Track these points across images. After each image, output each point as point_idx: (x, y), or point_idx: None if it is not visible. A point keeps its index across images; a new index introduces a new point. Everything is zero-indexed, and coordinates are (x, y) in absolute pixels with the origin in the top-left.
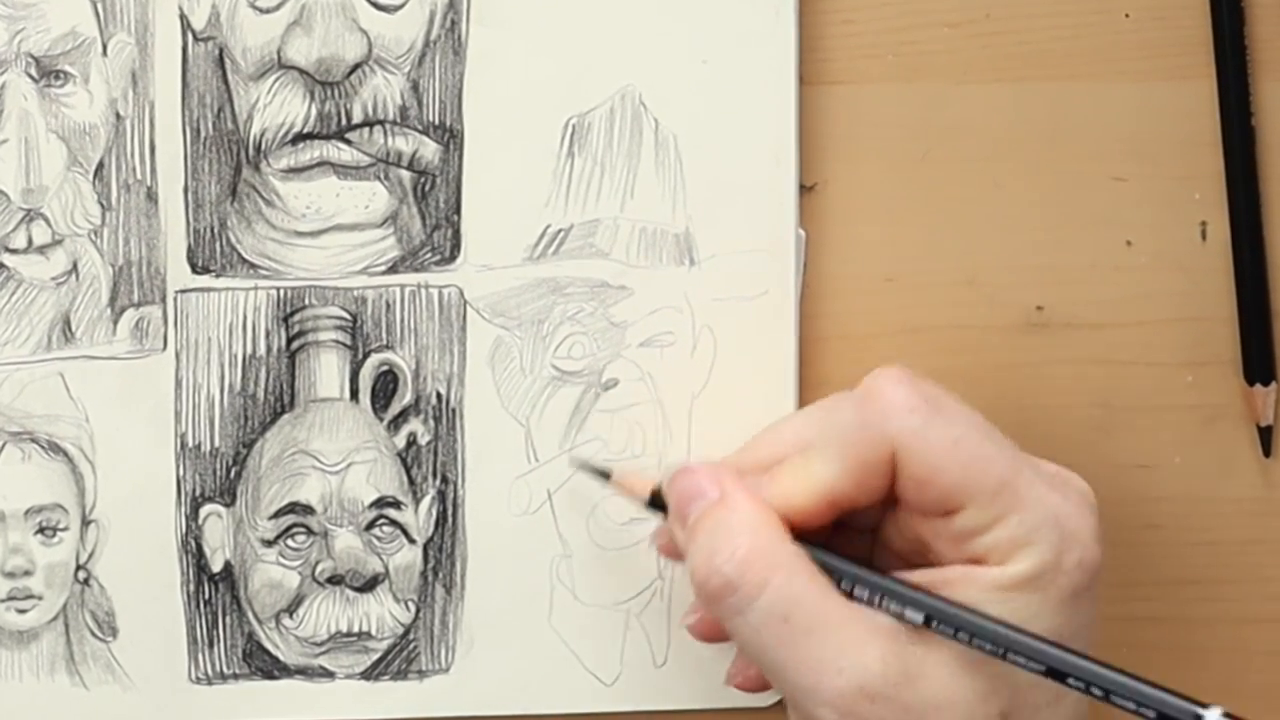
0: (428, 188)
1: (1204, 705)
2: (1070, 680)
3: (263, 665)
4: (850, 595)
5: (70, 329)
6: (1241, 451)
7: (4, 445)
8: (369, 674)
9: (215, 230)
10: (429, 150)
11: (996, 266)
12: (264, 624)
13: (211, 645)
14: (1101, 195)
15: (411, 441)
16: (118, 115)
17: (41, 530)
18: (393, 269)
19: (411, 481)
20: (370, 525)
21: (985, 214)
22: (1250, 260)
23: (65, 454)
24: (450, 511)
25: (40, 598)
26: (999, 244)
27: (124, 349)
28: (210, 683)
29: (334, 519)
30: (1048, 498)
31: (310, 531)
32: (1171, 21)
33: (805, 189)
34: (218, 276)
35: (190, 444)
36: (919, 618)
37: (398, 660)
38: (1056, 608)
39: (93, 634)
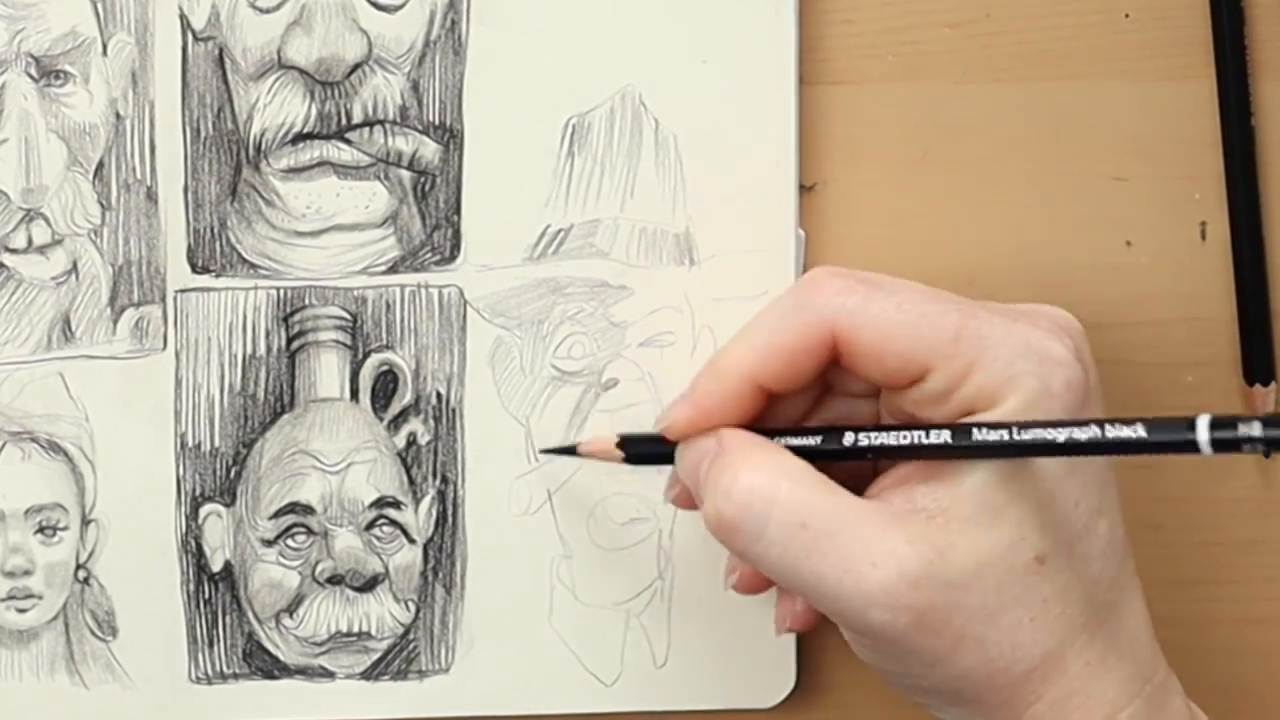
0: (428, 188)
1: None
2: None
3: (263, 665)
4: (870, 460)
5: (70, 329)
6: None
7: (4, 445)
8: (369, 674)
9: (215, 230)
10: (429, 150)
11: (996, 266)
12: (264, 624)
13: (211, 645)
14: (1101, 195)
15: (411, 441)
16: (118, 115)
17: (41, 530)
18: (393, 269)
19: (411, 481)
20: (370, 525)
21: (985, 214)
22: (1250, 260)
23: (65, 454)
24: (450, 511)
25: (40, 597)
26: (999, 244)
27: (124, 349)
28: (210, 683)
29: (334, 519)
30: (1014, 329)
31: (310, 531)
32: (1171, 21)
33: (805, 189)
34: (218, 276)
35: (190, 444)
36: (945, 435)
37: (398, 660)
38: None
39: (93, 634)
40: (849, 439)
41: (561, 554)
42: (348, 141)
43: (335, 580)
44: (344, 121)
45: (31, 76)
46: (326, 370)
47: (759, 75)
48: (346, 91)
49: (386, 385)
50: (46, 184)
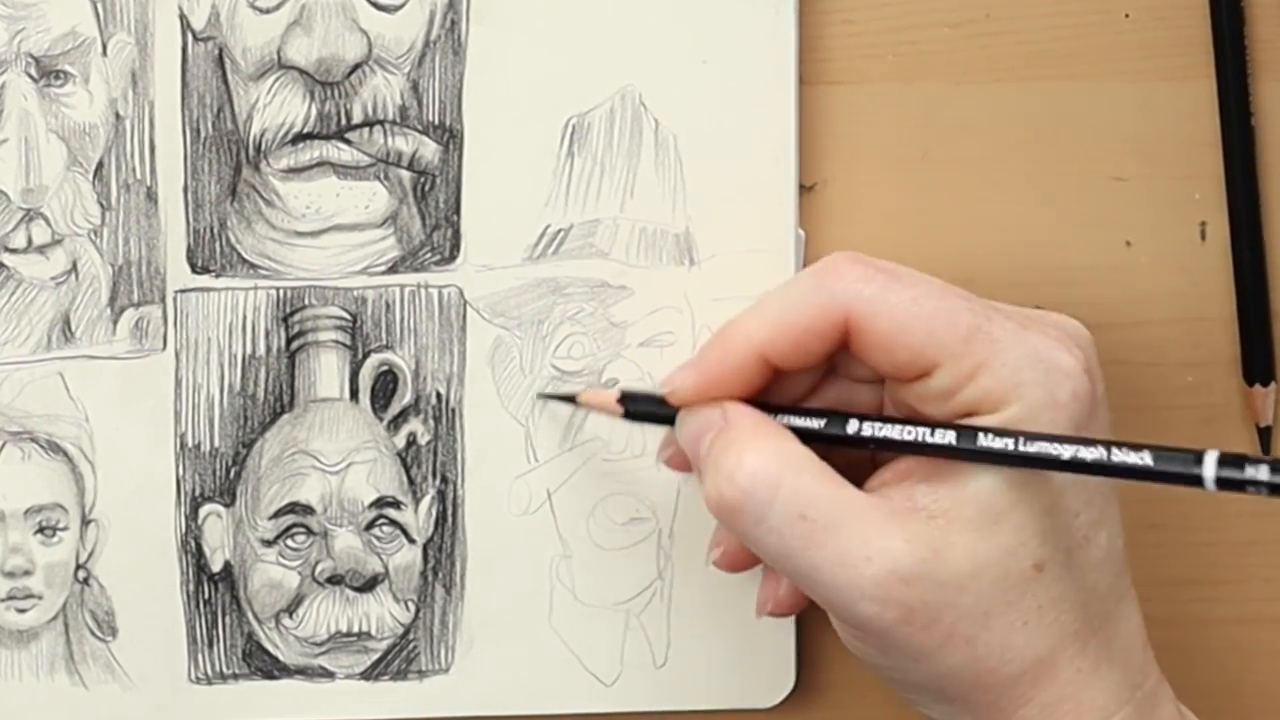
0: (428, 188)
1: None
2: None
3: (262, 665)
4: (870, 451)
5: (70, 329)
6: (1241, 451)
7: (4, 445)
8: (369, 674)
9: (215, 230)
10: (429, 150)
11: (996, 266)
12: (264, 624)
13: (211, 645)
14: (1101, 195)
15: (411, 441)
16: (118, 115)
17: (41, 530)
18: (393, 269)
19: (411, 481)
20: (370, 525)
21: (985, 214)
22: (1250, 260)
23: (65, 454)
24: (450, 511)
25: (40, 597)
26: (999, 244)
27: (124, 349)
28: (210, 683)
29: (334, 519)
30: (1024, 336)
31: (310, 531)
32: (1171, 21)
33: (805, 189)
34: (217, 276)
35: (190, 444)
36: (950, 436)
37: (397, 660)
38: None
39: (92, 634)
40: (853, 427)
41: (561, 554)
42: (348, 141)
43: (335, 580)
44: (344, 121)
45: (31, 76)
46: (326, 370)
47: (759, 75)
48: (346, 91)
49: (386, 385)
50: (46, 184)
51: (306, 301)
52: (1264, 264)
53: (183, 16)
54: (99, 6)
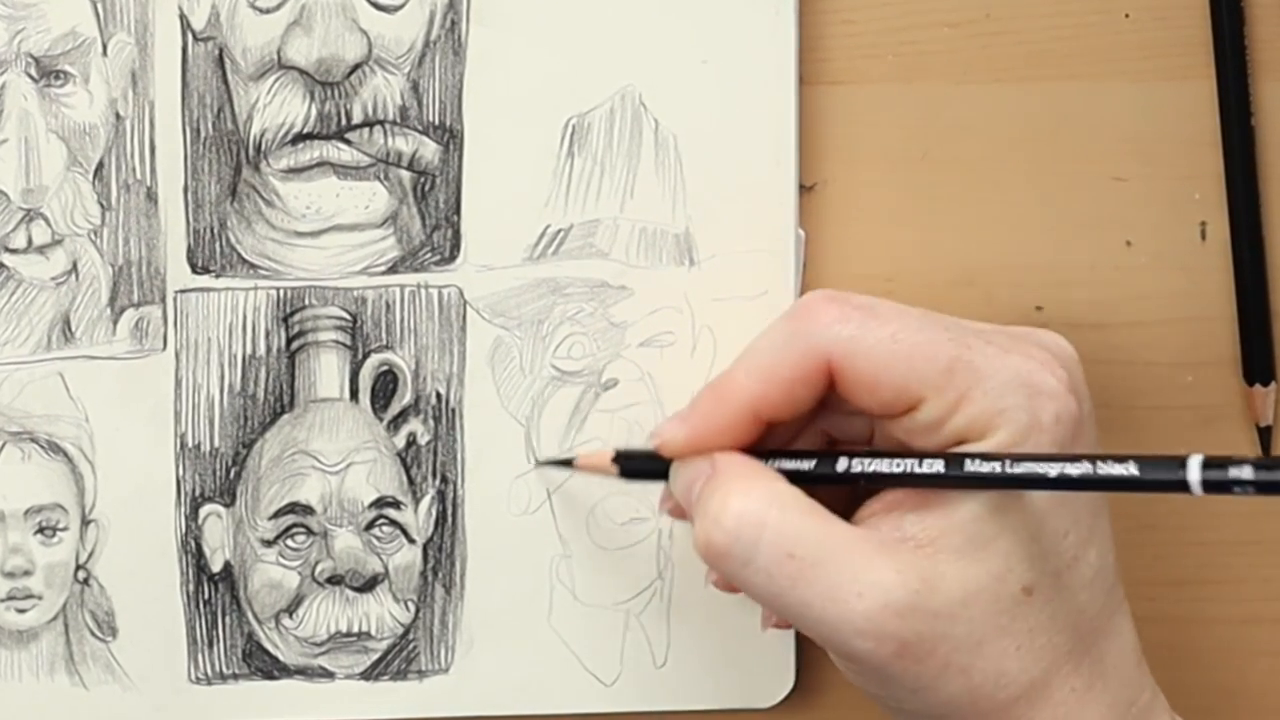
0: (428, 188)
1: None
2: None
3: (262, 665)
4: (860, 486)
5: (70, 329)
6: (1241, 452)
7: (4, 445)
8: (369, 674)
9: (215, 230)
10: (429, 150)
11: (996, 266)
12: (264, 624)
13: (211, 645)
14: (1101, 195)
15: (411, 441)
16: (118, 115)
17: (41, 530)
18: (393, 269)
19: (411, 481)
20: (370, 525)
21: (985, 214)
22: (1250, 260)
23: (65, 454)
24: (450, 511)
25: (40, 598)
26: (999, 244)
27: (124, 349)
28: (210, 683)
29: (334, 519)
30: (1007, 361)
31: (310, 531)
32: (1171, 21)
33: (805, 189)
34: (218, 276)
35: (190, 444)
36: (939, 465)
37: (397, 660)
38: None
39: (92, 634)
40: (843, 465)
41: (561, 554)
42: (348, 142)
43: (335, 580)
44: (344, 122)
45: (31, 77)
46: (326, 370)
47: (759, 75)
48: (346, 92)
49: (386, 385)
50: (46, 184)
51: (306, 302)
52: (1264, 264)
53: (183, 16)
54: (99, 6)
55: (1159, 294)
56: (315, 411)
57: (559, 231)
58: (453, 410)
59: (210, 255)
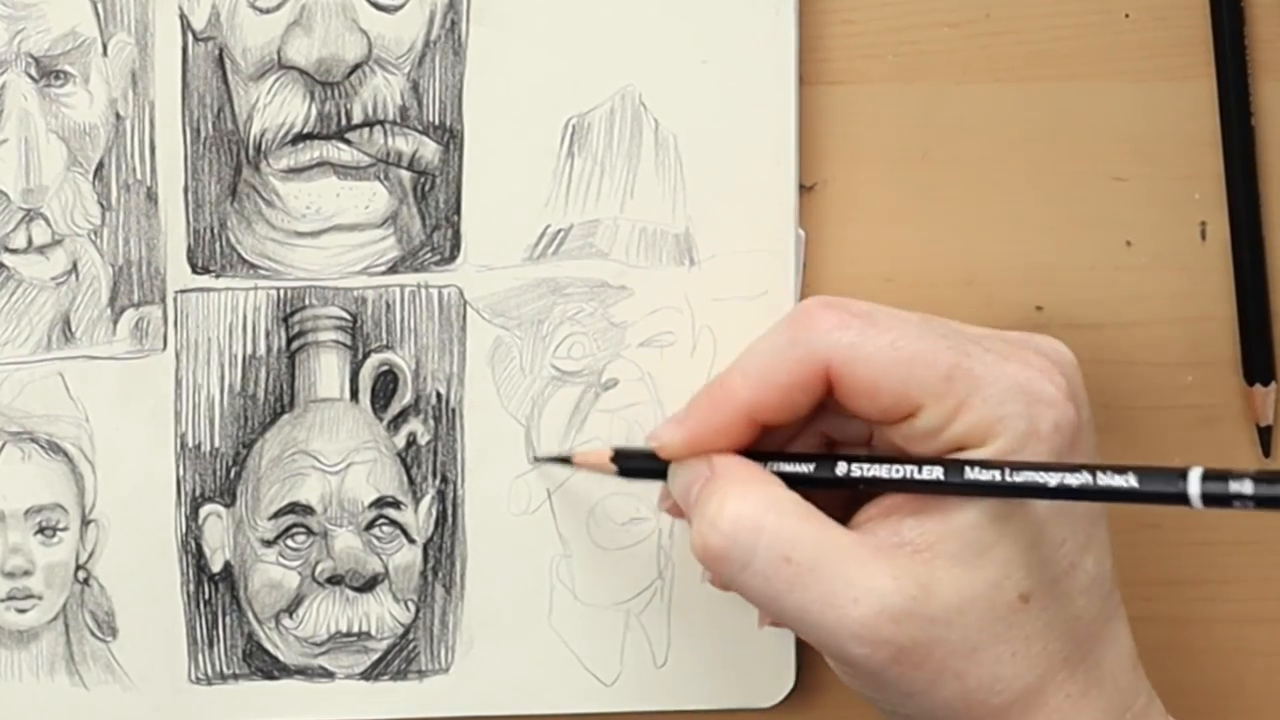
0: (428, 188)
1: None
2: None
3: (262, 665)
4: (859, 490)
5: (70, 329)
6: (1241, 451)
7: (4, 445)
8: (369, 674)
9: (215, 230)
10: (429, 150)
11: (996, 266)
12: (264, 624)
13: (211, 645)
14: (1101, 195)
15: (411, 441)
16: (118, 115)
17: (41, 530)
18: (393, 269)
19: (411, 481)
20: (370, 525)
21: (985, 214)
22: (1250, 260)
23: (65, 454)
24: (450, 511)
25: (40, 598)
26: (999, 244)
27: (124, 349)
28: (210, 683)
29: (334, 519)
30: (1005, 368)
31: (310, 531)
32: (1171, 21)
33: (805, 189)
34: (218, 276)
35: (190, 444)
36: (938, 472)
37: (397, 660)
38: None
39: (92, 634)
40: (841, 469)
41: (561, 554)
42: (348, 142)
43: (335, 580)
44: (344, 122)
45: (31, 77)
46: (326, 370)
47: (759, 75)
48: (346, 92)
49: (386, 385)
50: (46, 184)
51: (306, 302)
52: (1264, 264)
53: (183, 16)
54: (99, 6)
55: (1159, 294)
56: (315, 411)
57: (559, 231)
58: (453, 410)
59: (210, 255)
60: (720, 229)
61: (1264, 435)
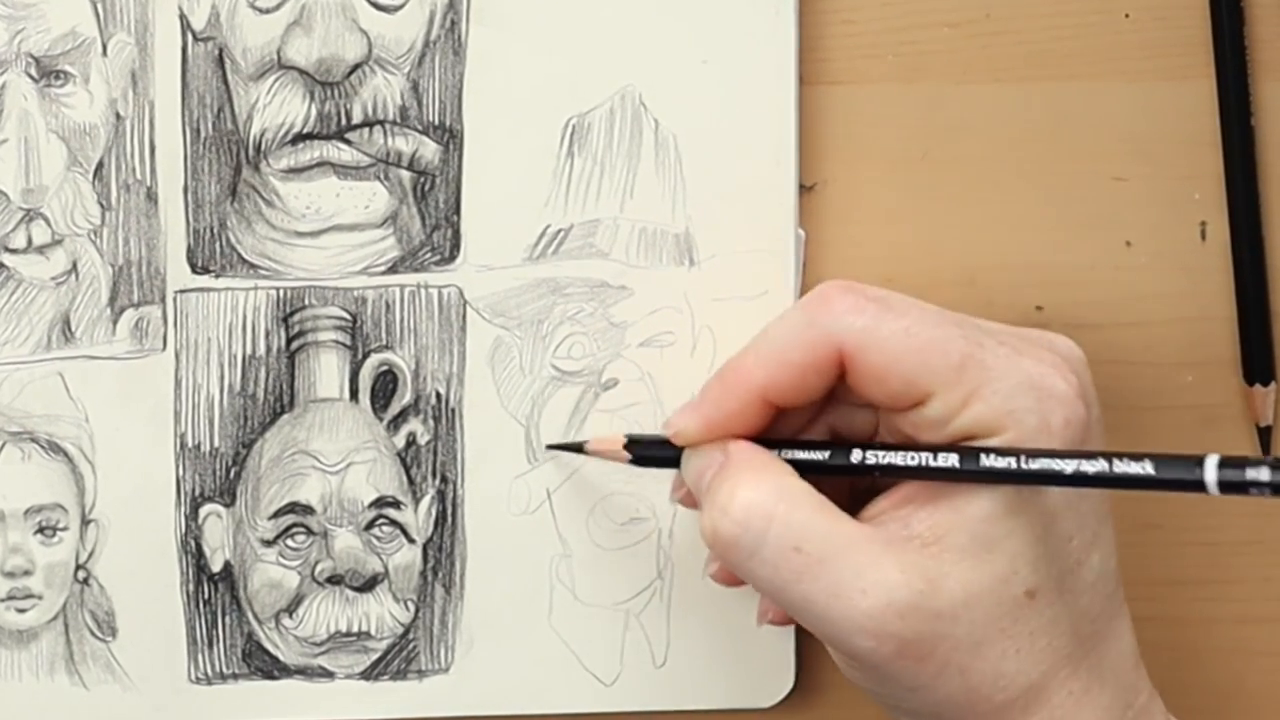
0: (428, 188)
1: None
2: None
3: (262, 665)
4: (877, 476)
5: (70, 329)
6: (1241, 451)
7: (4, 445)
8: (368, 674)
9: (215, 230)
10: (429, 150)
11: (996, 266)
12: (264, 624)
13: (211, 645)
14: (1101, 195)
15: (411, 441)
16: (118, 115)
17: (41, 530)
18: (393, 269)
19: (411, 481)
20: (370, 525)
21: (985, 214)
22: (1250, 260)
23: (65, 454)
24: (450, 511)
25: (40, 597)
26: (999, 244)
27: (124, 349)
28: (210, 683)
29: (334, 519)
30: (1018, 363)
31: (310, 531)
32: (1171, 21)
33: (805, 189)
34: (217, 276)
35: (190, 444)
36: (953, 459)
37: (397, 660)
38: None
39: (92, 634)
40: (856, 456)
41: (561, 553)
42: (348, 142)
43: (335, 580)
44: (344, 122)
45: (31, 76)
46: (326, 370)
47: (759, 75)
48: (346, 92)
49: (386, 385)
50: (46, 184)
51: (306, 302)
52: (1264, 264)
53: (183, 16)
54: (99, 6)
55: (1159, 294)
56: (315, 411)
57: (559, 231)
58: (453, 410)
59: (210, 255)
60: (720, 229)
61: (1264, 435)
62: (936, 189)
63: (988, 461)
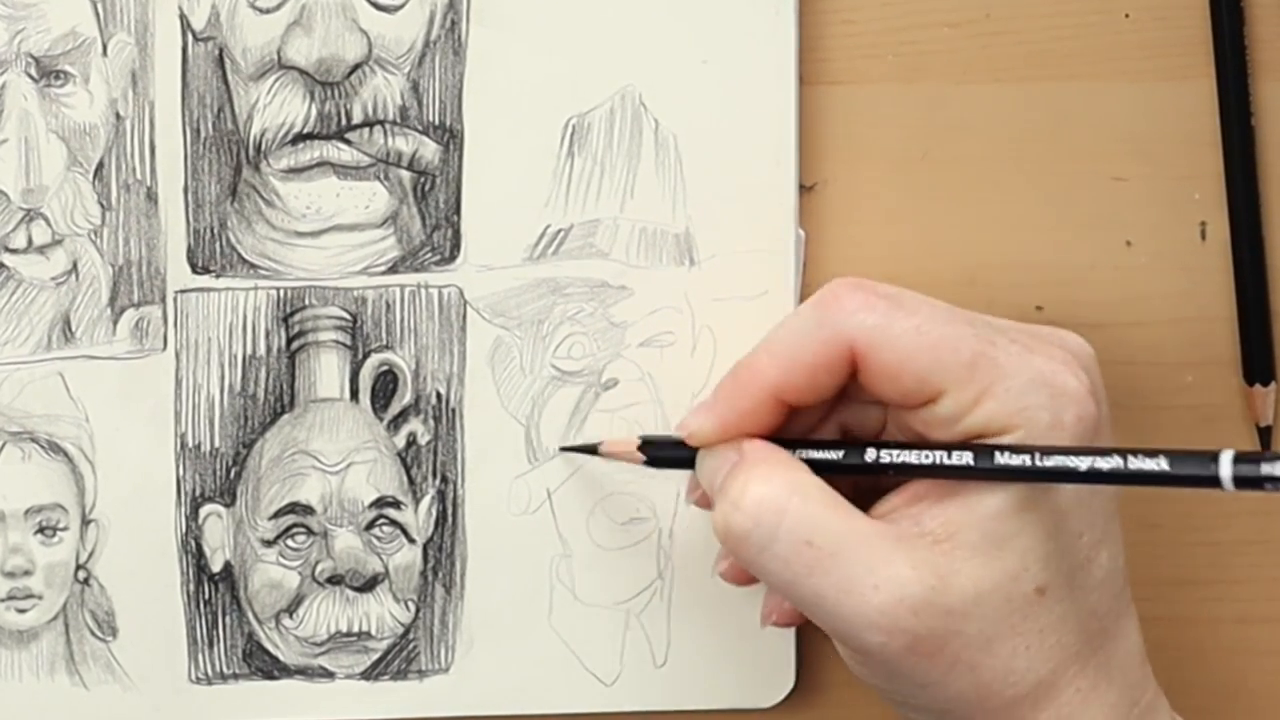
0: (428, 188)
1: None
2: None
3: (263, 665)
4: (891, 474)
5: (70, 329)
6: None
7: (4, 445)
8: (369, 674)
9: (215, 230)
10: (429, 150)
11: (996, 266)
12: (264, 624)
13: (211, 645)
14: (1101, 195)
15: (411, 441)
16: (118, 115)
17: (41, 530)
18: (393, 269)
19: (411, 481)
20: (370, 525)
21: (985, 214)
22: (1250, 260)
23: (65, 454)
24: (450, 511)
25: (40, 597)
26: (999, 244)
27: (124, 349)
28: (210, 683)
29: (334, 519)
30: (1029, 360)
31: (310, 531)
32: (1171, 21)
33: (805, 189)
34: (218, 276)
35: (190, 444)
36: (968, 457)
37: (397, 660)
38: None
39: (93, 634)
40: (871, 455)
41: (561, 553)
42: (348, 142)
43: (335, 580)
44: (344, 122)
45: (31, 76)
46: (326, 370)
47: (759, 75)
48: (346, 92)
49: (386, 385)
50: (46, 184)
51: (306, 302)
52: (1264, 264)
53: (183, 16)
54: (99, 6)
55: (1159, 294)
56: (315, 411)
57: (559, 231)
58: (453, 410)
59: (210, 255)
60: (720, 229)
61: (1264, 435)
62: (936, 189)
63: (1002, 459)
